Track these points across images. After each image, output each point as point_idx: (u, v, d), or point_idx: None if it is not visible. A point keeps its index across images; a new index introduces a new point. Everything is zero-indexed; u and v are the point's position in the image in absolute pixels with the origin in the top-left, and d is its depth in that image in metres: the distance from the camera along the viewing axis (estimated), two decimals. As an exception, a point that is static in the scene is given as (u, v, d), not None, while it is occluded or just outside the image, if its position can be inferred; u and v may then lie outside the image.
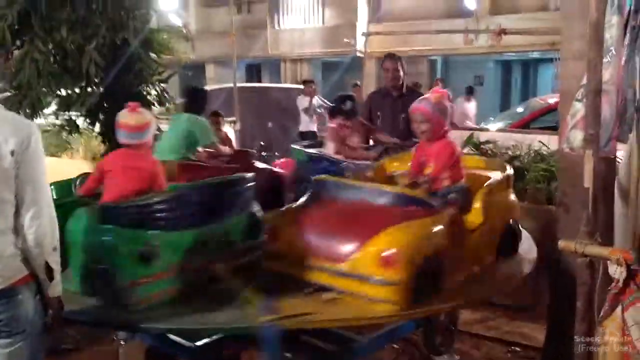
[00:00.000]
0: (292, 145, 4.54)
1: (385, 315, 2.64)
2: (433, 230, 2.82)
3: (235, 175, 3.31)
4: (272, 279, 2.89)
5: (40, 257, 2.15)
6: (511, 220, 3.43)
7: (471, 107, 12.28)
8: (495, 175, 3.45)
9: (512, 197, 3.54)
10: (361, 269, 2.67)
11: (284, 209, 3.24)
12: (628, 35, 2.48)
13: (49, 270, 2.17)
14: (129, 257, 2.54)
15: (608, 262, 2.14)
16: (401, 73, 4.98)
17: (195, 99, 4.64)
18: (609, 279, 2.16)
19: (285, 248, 2.96)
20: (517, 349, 4.05)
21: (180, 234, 2.72)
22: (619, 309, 2.15)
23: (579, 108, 2.58)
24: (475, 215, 3.11)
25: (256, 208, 3.19)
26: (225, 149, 4.69)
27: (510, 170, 3.58)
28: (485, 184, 3.26)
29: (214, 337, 3.29)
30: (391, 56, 5.13)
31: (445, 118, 3.17)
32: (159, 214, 2.73)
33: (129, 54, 4.68)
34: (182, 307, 2.62)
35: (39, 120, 5.49)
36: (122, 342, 3.60)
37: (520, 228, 3.54)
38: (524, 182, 5.77)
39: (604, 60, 2.53)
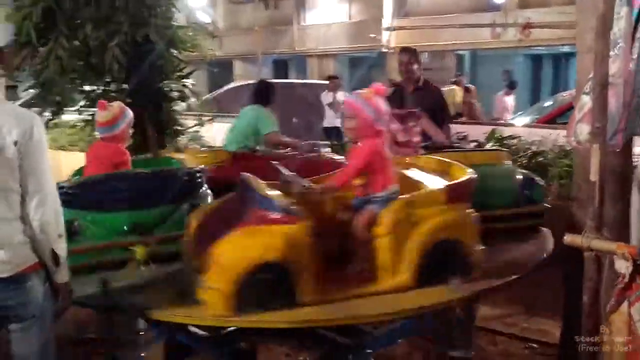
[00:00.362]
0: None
1: (207, 319, 2.58)
2: (275, 238, 2.55)
3: (168, 169, 3.58)
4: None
5: (46, 244, 2.23)
6: (446, 238, 2.82)
7: (509, 100, 12.12)
8: (435, 185, 3.01)
9: (460, 213, 2.89)
10: (202, 272, 2.60)
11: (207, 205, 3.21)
12: (640, 28, 2.44)
13: (54, 256, 2.24)
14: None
15: (614, 257, 2.12)
16: (415, 67, 4.94)
17: (261, 92, 5.04)
18: (615, 274, 2.14)
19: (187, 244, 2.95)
20: (535, 345, 4.02)
21: (106, 215, 3.02)
22: (625, 304, 2.13)
23: (586, 101, 2.55)
24: (380, 228, 2.73)
25: (198, 201, 3.28)
26: (287, 139, 4.95)
27: (463, 180, 3.01)
28: (406, 195, 2.85)
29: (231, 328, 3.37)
30: (405, 50, 5.10)
31: (377, 118, 2.79)
32: (88, 197, 3.07)
33: (150, 51, 4.76)
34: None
35: (67, 117, 5.65)
36: (141, 333, 3.69)
37: (469, 250, 2.88)
38: (548, 179, 5.71)
39: (612, 53, 2.49)
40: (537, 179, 3.86)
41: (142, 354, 3.57)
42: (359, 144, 2.84)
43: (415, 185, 3.05)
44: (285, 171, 3.03)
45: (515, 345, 4.04)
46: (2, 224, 2.18)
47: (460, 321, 3.85)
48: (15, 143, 2.15)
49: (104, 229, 3.02)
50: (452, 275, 2.79)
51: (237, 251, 2.52)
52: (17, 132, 2.15)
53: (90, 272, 2.84)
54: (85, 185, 3.18)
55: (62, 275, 2.31)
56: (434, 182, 3.04)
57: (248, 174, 3.10)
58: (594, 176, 2.19)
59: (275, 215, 2.63)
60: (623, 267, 2.09)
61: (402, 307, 2.67)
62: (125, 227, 3.05)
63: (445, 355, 3.84)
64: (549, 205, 3.72)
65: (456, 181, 3.00)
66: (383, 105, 2.83)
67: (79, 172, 3.74)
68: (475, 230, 2.93)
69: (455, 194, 2.89)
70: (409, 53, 5.00)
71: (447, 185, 2.92)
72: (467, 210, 2.91)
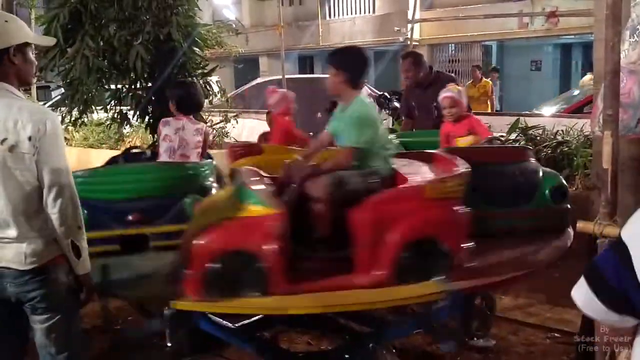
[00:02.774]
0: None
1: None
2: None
3: None
4: None
5: (66, 236, 2.28)
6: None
7: None
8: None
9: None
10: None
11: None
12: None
13: (75, 248, 2.29)
14: None
15: (627, 243, 2.12)
16: (415, 71, 5.14)
17: None
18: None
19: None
20: (557, 334, 4.00)
21: None
22: (638, 291, 2.13)
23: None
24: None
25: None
26: None
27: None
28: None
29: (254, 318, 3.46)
30: (405, 56, 5.41)
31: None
32: None
33: (173, 49, 4.86)
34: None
35: (96, 115, 5.81)
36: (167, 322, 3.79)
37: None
38: (572, 168, 5.66)
39: (632, 39, 2.47)
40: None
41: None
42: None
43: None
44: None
45: (536, 334, 4.02)
46: (22, 218, 2.23)
47: (480, 311, 3.86)
48: (30, 138, 2.19)
49: None
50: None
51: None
52: (31, 127, 2.19)
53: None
54: None
55: (84, 267, 2.35)
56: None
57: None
58: (606, 164, 2.19)
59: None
60: (636, 253, 2.09)
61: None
62: None
63: (466, 345, 3.87)
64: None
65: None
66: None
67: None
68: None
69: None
70: (407, 60, 5.23)
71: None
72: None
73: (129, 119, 5.53)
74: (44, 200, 2.25)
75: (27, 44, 2.32)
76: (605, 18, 2.16)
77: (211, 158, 4.16)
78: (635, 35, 2.45)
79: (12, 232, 2.22)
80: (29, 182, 2.23)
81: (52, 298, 2.29)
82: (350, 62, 3.17)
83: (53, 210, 2.24)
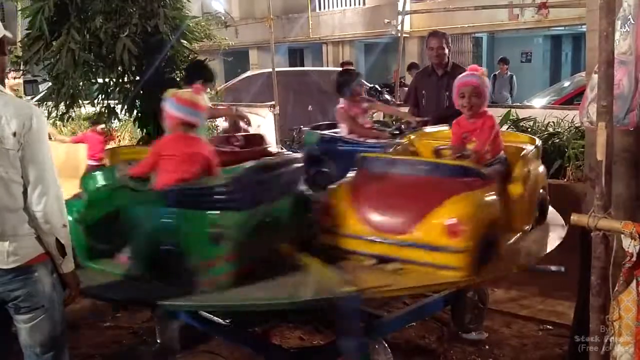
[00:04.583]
0: (304, 129, 4.61)
1: (454, 282, 2.79)
2: (489, 200, 2.95)
3: (285, 157, 3.53)
4: (328, 254, 2.97)
5: (50, 234, 2.23)
6: (541, 190, 3.55)
7: None
8: (528, 147, 3.55)
9: (542, 167, 3.67)
10: (426, 239, 2.77)
11: (334, 185, 3.22)
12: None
13: (60, 246, 2.25)
14: (200, 239, 2.65)
15: (622, 235, 2.10)
16: (446, 51, 4.94)
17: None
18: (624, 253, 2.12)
19: (339, 223, 3.01)
20: (549, 327, 4.00)
21: (243, 214, 2.74)
22: (633, 283, 2.12)
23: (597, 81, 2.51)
24: (515, 186, 3.22)
25: (302, 187, 3.31)
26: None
27: (538, 141, 3.73)
28: (521, 155, 3.39)
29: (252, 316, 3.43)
30: (435, 34, 5.07)
31: (487, 93, 3.40)
32: (221, 196, 2.76)
33: (160, 41, 4.79)
34: (249, 284, 2.70)
35: (84, 109, 5.72)
36: (157, 319, 3.75)
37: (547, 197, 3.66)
38: (563, 160, 5.64)
39: (623, 30, 2.45)
40: None
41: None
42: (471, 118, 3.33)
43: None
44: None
45: (529, 327, 4.03)
46: (6, 215, 2.18)
47: (473, 304, 3.86)
48: (14, 134, 2.15)
49: (237, 231, 2.71)
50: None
51: (474, 216, 2.77)
52: (16, 123, 2.15)
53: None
54: (222, 185, 2.84)
55: (68, 266, 2.32)
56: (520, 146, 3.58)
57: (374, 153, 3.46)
58: (600, 155, 2.16)
59: (476, 180, 2.97)
60: (631, 246, 2.07)
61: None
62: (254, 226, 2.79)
63: (459, 338, 3.86)
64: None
65: (539, 143, 3.68)
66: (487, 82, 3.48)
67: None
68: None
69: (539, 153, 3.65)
70: (438, 37, 4.97)
71: (537, 145, 3.61)
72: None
73: (117, 113, 5.45)
74: (28, 198, 2.21)
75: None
76: (599, 8, 2.12)
77: None
78: (626, 25, 2.43)
79: None
80: (13, 179, 2.19)
81: (36, 297, 2.25)
82: None
83: (37, 208, 2.20)
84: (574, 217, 2.22)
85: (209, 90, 4.68)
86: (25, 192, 2.21)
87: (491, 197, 2.97)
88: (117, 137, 8.32)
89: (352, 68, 5.11)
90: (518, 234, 3.22)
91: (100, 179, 3.13)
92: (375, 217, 2.92)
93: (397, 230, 2.84)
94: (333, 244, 3.02)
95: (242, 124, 4.74)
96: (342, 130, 4.24)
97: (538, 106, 8.74)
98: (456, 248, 2.70)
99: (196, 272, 2.64)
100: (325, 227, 3.07)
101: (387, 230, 2.87)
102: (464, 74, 3.46)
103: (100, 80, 5.11)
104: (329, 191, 3.17)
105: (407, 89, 7.63)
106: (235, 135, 4.52)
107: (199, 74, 4.43)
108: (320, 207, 3.14)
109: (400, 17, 9.55)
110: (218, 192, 2.78)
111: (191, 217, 2.68)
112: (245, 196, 2.78)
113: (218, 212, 2.68)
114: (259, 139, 4.59)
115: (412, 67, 11.12)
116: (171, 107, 3.11)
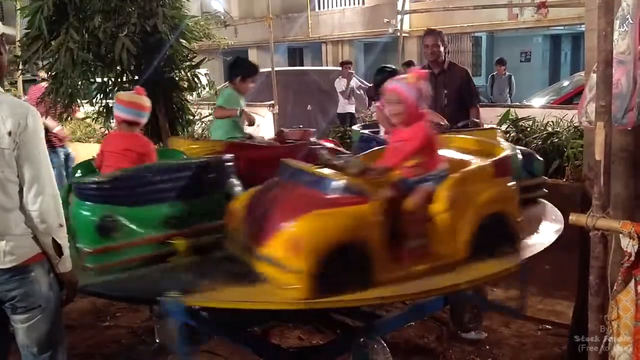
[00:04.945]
0: (353, 127, 4.80)
1: (292, 302, 2.55)
2: (354, 219, 2.61)
3: (205, 159, 3.48)
4: (224, 261, 2.95)
5: (47, 234, 2.23)
6: (503, 213, 3.02)
7: None
8: (479, 162, 3.13)
9: (505, 186, 3.09)
10: (274, 254, 2.62)
11: (247, 191, 3.19)
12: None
13: (56, 246, 2.25)
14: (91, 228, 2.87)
15: (620, 235, 2.10)
16: (441, 49, 4.91)
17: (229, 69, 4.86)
18: (622, 252, 2.12)
19: (234, 227, 3.00)
20: (548, 326, 4.00)
21: (143, 209, 2.98)
22: (632, 283, 2.11)
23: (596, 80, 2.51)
24: (438, 205, 2.84)
25: (234, 190, 3.31)
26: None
27: (503, 155, 3.18)
28: (456, 173, 2.96)
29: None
30: (430, 32, 5.07)
31: (421, 100, 2.97)
32: (122, 191, 3.00)
33: (159, 41, 4.78)
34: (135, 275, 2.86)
35: (82, 109, 5.72)
36: (155, 319, 3.75)
37: (515, 221, 3.10)
38: (562, 159, 5.64)
39: (621, 29, 2.45)
40: (536, 155, 4.04)
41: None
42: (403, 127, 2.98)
43: (459, 163, 3.14)
44: (326, 153, 3.26)
45: (528, 326, 4.02)
46: (2, 215, 2.18)
47: (472, 304, 3.86)
48: (10, 133, 2.14)
49: (140, 224, 2.95)
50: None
51: (315, 235, 2.53)
52: (11, 122, 2.15)
53: (129, 269, 2.85)
54: (122, 180, 3.04)
55: (66, 265, 2.31)
56: (474, 160, 3.18)
57: (290, 159, 3.25)
58: (599, 155, 2.16)
59: (347, 197, 2.70)
60: (629, 245, 2.07)
61: (465, 279, 2.83)
62: (155, 220, 2.99)
63: (458, 338, 3.86)
64: (547, 179, 3.87)
65: (501, 156, 3.17)
66: (426, 88, 3.00)
67: (85, 165, 3.72)
68: (517, 203, 3.14)
69: (500, 169, 3.09)
70: (434, 35, 4.95)
71: (493, 161, 3.09)
72: (511, 184, 3.11)
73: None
74: (24, 197, 2.20)
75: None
76: (598, 7, 2.12)
77: None
78: (624, 25, 2.42)
79: None
80: (9, 178, 2.18)
81: (33, 297, 2.24)
82: None
83: (34, 208, 2.20)
84: (573, 217, 2.22)
85: (251, 85, 4.64)
86: (21, 192, 2.20)
87: (357, 216, 2.62)
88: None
89: (390, 66, 5.06)
90: (434, 259, 2.83)
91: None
92: (250, 225, 2.87)
93: (258, 242, 2.73)
94: (230, 248, 3.02)
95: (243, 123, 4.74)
96: (380, 130, 4.21)
97: (537, 106, 8.75)
98: (293, 267, 2.51)
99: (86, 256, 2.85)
100: (227, 233, 3.07)
101: (254, 240, 2.79)
102: (394, 78, 3.14)
103: (99, 80, 5.11)
104: (239, 196, 3.16)
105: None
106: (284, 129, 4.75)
107: (236, 71, 4.61)
108: (227, 210, 3.09)
109: (399, 17, 9.54)
110: (116, 187, 3.01)
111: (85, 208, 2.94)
112: (129, 193, 3.01)
113: (115, 205, 2.92)
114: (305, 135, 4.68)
115: (408, 64, 11.11)
116: (114, 107, 3.49)
